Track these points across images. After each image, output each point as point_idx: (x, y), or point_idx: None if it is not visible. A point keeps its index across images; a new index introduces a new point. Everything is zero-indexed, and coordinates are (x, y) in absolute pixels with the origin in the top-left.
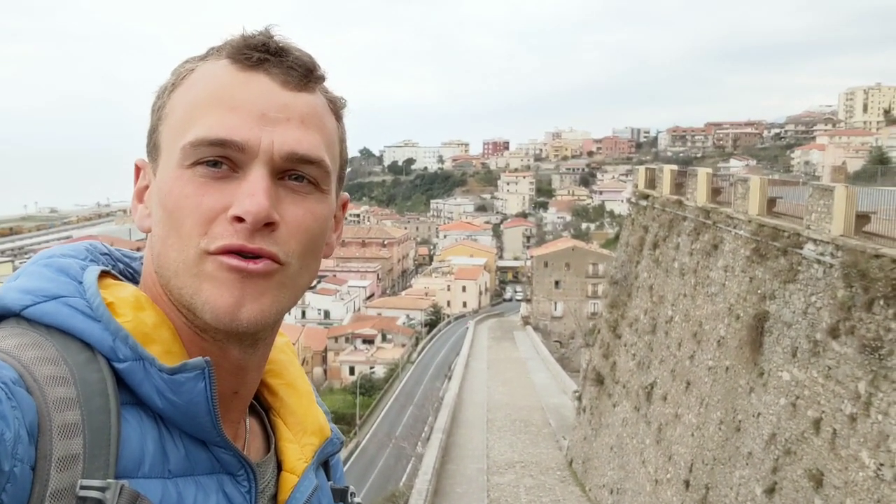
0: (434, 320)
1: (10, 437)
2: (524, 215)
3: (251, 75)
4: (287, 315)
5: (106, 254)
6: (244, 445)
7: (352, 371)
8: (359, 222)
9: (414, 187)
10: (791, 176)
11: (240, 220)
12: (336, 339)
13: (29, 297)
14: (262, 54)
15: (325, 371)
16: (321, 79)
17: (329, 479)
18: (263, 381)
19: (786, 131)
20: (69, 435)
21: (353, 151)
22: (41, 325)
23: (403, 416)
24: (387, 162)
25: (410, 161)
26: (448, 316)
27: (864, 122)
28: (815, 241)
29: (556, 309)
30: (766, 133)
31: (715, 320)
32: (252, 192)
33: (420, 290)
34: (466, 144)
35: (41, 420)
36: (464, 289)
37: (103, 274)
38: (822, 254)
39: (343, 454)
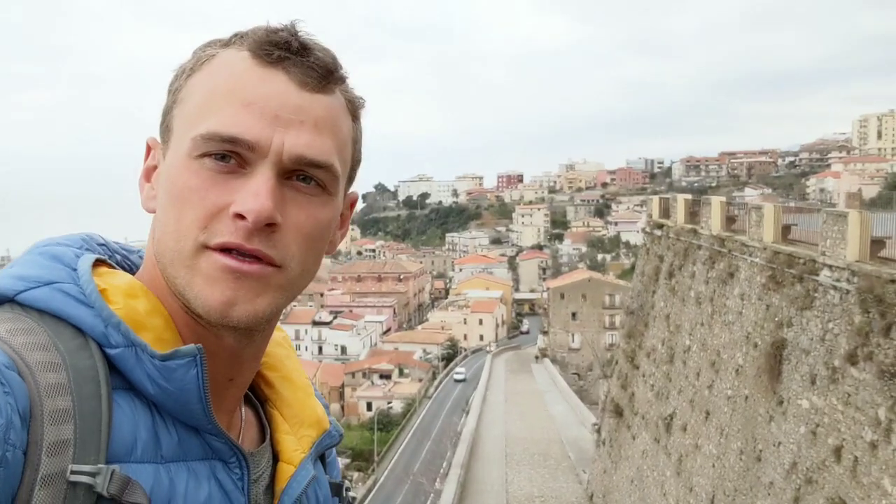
0: (451, 354)
1: (2, 423)
2: (539, 247)
3: (270, 72)
4: (304, 351)
5: (103, 245)
6: (239, 434)
7: (369, 407)
8: (374, 257)
9: (429, 221)
10: (807, 204)
11: (241, 217)
12: (353, 374)
13: (22, 283)
14: (283, 52)
15: (342, 407)
16: (341, 80)
17: (325, 474)
18: (260, 374)
19: (800, 159)
20: (60, 421)
21: (367, 187)
22: (34, 311)
23: (421, 452)
24: (401, 197)
25: (425, 195)
26: (465, 349)
27: (879, 149)
28: (830, 267)
29: (573, 340)
30: (780, 161)
31: (732, 349)
32: (257, 192)
33: (436, 324)
34: (480, 178)
35: (33, 405)
36: (480, 322)
37: (99, 263)
38: (837, 280)
39: (361, 491)
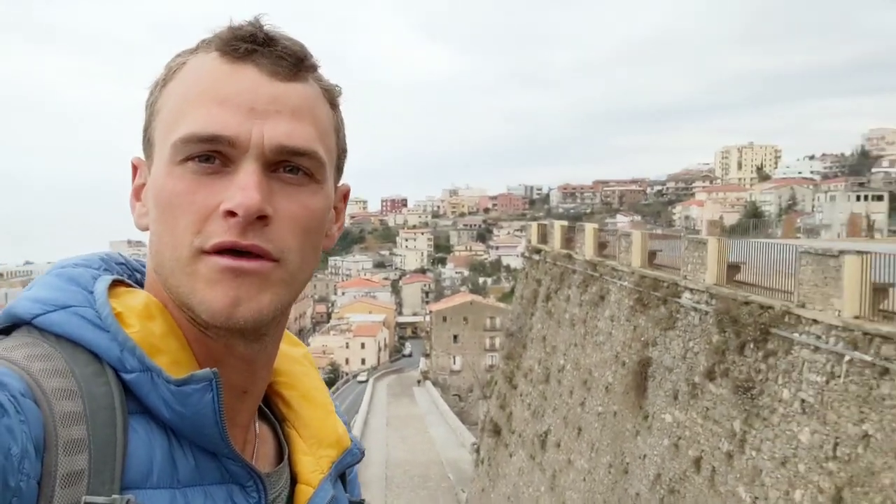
0: (332, 379)
1: (17, 452)
2: (423, 271)
3: (239, 67)
4: None
5: (122, 263)
6: (253, 451)
7: None
8: None
9: None
10: (673, 230)
11: (232, 214)
12: None
13: (39, 307)
14: (250, 45)
15: None
16: (313, 67)
17: (346, 492)
18: (278, 393)
19: (667, 188)
20: (74, 451)
21: None
22: (51, 335)
23: None
24: None
25: None
26: (346, 374)
27: (739, 179)
28: (691, 290)
29: (454, 363)
30: (649, 190)
31: (603, 367)
32: (243, 187)
33: (318, 349)
34: (365, 202)
35: (47, 435)
36: (363, 346)
37: (117, 283)
38: (697, 302)
39: None
